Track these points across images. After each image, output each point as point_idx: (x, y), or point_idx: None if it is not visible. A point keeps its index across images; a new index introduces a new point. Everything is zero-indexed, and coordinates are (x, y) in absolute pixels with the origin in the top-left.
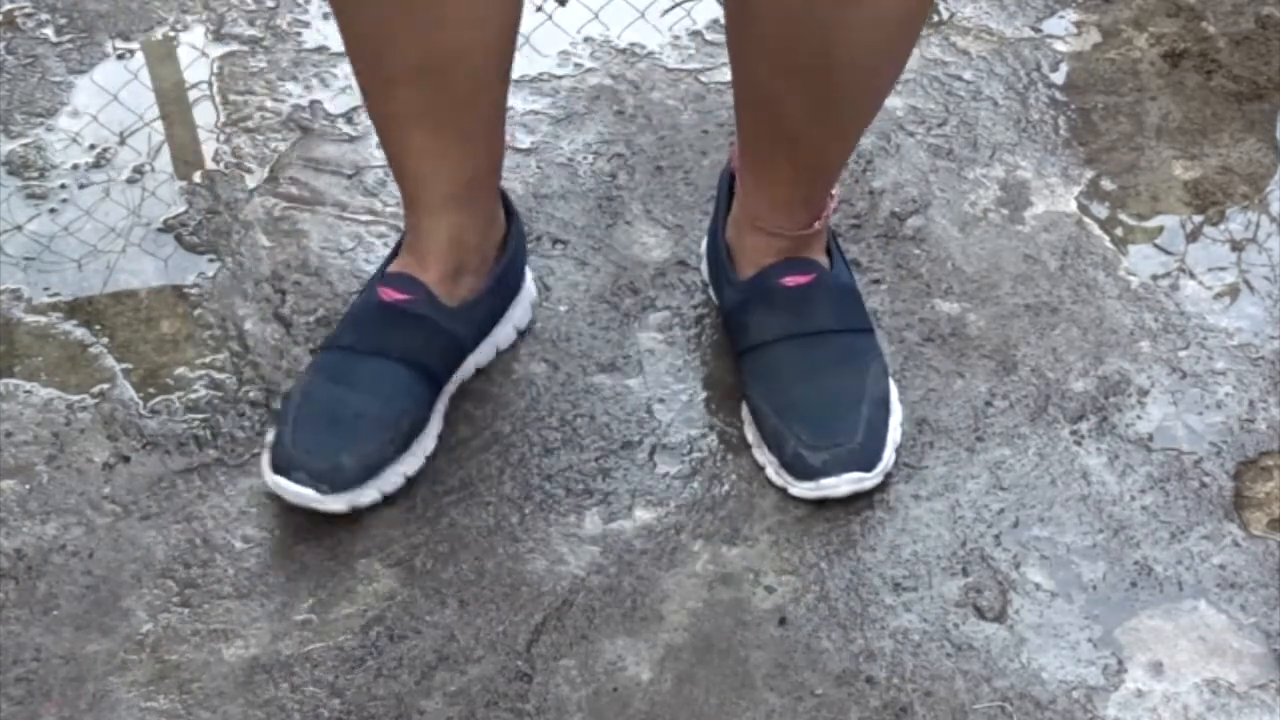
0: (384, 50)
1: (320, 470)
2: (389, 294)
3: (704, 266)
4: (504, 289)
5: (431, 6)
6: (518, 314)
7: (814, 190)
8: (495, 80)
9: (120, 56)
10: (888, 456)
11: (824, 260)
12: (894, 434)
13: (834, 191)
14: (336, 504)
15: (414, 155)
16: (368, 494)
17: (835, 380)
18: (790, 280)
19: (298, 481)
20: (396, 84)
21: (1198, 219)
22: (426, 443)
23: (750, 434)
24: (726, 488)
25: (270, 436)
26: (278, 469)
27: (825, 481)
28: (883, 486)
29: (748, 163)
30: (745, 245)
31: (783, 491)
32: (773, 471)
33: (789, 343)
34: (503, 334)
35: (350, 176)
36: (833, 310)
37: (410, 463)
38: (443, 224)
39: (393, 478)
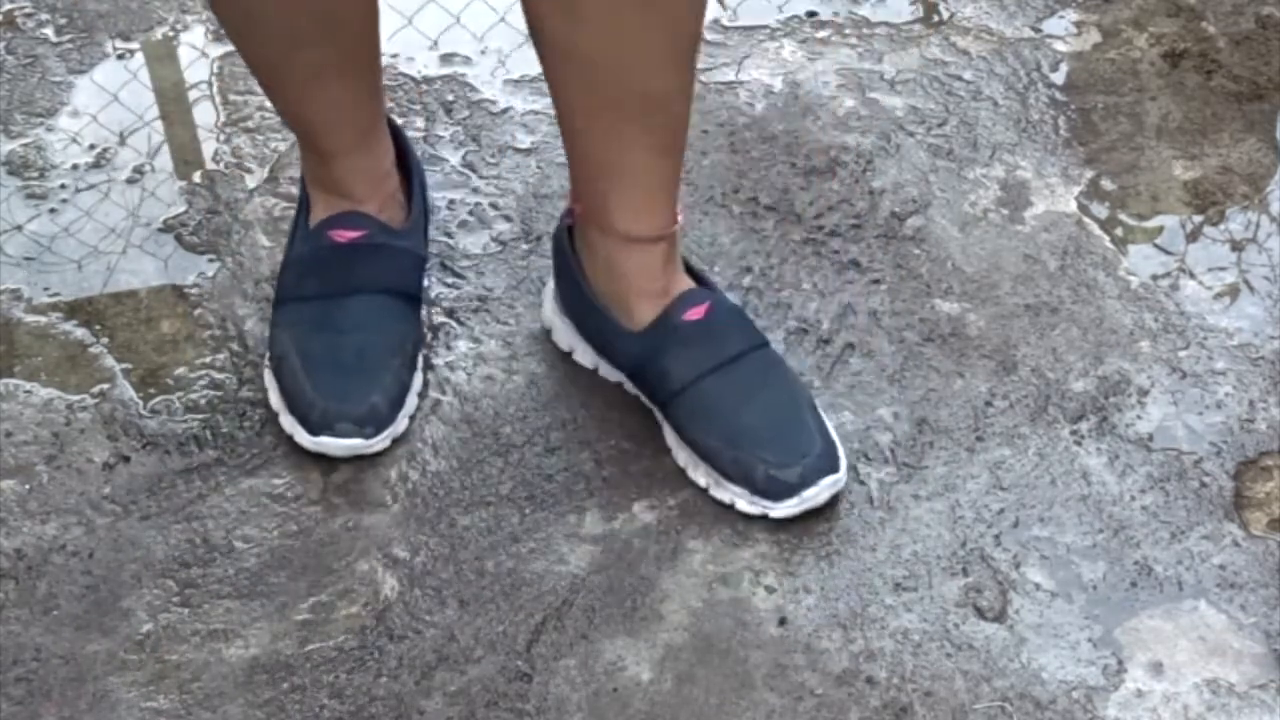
0: (280, 21)
1: (361, 415)
2: (342, 235)
3: (560, 336)
4: (424, 194)
5: None
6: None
7: (667, 171)
8: (376, 18)
9: (120, 56)
10: (842, 451)
11: (698, 284)
12: (832, 428)
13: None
14: (382, 443)
15: (327, 106)
16: (401, 423)
17: (771, 396)
18: (691, 314)
19: (344, 434)
20: (300, 46)
21: (1198, 219)
22: (421, 359)
23: (702, 478)
24: None
25: (277, 402)
26: (316, 428)
27: (806, 493)
28: (883, 486)
29: (594, 169)
30: (620, 284)
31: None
32: (745, 503)
33: (715, 375)
34: None
35: None
36: (738, 331)
37: (418, 380)
38: (366, 159)
39: (411, 399)
